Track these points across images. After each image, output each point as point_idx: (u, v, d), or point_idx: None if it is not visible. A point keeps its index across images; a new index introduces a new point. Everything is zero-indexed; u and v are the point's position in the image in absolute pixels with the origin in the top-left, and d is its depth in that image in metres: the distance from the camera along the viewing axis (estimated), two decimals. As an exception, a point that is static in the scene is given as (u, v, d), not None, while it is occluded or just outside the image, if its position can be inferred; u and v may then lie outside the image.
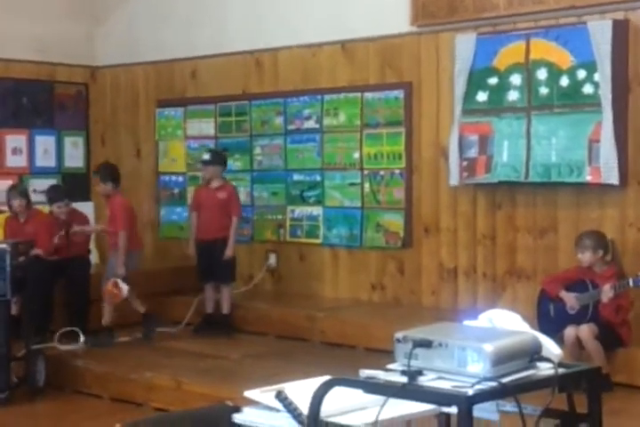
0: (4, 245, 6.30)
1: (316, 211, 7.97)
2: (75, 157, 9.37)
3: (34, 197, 7.90)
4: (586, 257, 5.73)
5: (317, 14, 7.84)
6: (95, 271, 7.90)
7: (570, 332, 5.58)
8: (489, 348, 2.40)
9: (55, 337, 6.95)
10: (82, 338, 6.99)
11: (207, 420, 3.01)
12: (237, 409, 2.82)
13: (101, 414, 5.86)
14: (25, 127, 9.00)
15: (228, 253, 7.31)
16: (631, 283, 5.57)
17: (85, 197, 9.23)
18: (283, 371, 5.21)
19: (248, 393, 2.81)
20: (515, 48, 6.67)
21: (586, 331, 5.54)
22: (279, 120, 8.20)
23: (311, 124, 8.00)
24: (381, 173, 7.57)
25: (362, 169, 7.68)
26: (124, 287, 7.04)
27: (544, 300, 5.94)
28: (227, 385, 5.41)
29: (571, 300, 5.73)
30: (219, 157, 7.51)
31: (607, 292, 5.55)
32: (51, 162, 9.18)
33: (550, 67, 6.50)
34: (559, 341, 5.52)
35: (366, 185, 7.65)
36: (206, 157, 7.52)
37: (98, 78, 9.52)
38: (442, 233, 7.23)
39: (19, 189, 7.63)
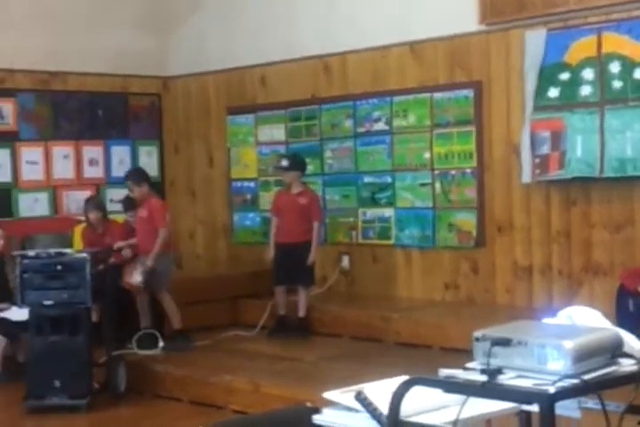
0: (84, 255, 6.44)
1: (388, 212, 7.96)
2: (149, 166, 9.49)
3: (111, 207, 8.07)
4: None
5: (385, 16, 7.84)
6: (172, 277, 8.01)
7: None
8: (569, 345, 2.37)
9: (134, 342, 7.06)
10: (161, 343, 7.10)
11: (287, 421, 3.04)
12: (317, 410, 2.83)
13: (181, 418, 5.94)
14: (101, 138, 9.20)
15: (313, 257, 7.35)
16: None
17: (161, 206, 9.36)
18: (359, 372, 5.21)
19: (327, 394, 2.82)
20: (586, 42, 6.58)
21: None
22: (349, 123, 8.21)
23: (381, 125, 8.00)
24: (452, 172, 7.52)
25: (433, 169, 7.65)
26: (138, 277, 7.06)
27: (623, 295, 5.84)
28: (304, 387, 5.43)
29: None
30: (297, 163, 7.51)
31: None
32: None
33: (623, 60, 6.39)
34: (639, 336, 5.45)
35: (437, 185, 7.61)
36: (284, 163, 7.51)
37: (170, 88, 9.67)
38: (515, 231, 7.16)
39: (94, 202, 7.78)
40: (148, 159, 9.52)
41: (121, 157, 9.32)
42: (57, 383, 6.19)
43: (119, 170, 9.24)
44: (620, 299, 5.85)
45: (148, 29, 9.36)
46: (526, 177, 6.86)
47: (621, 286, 5.89)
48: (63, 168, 8.92)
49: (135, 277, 7.10)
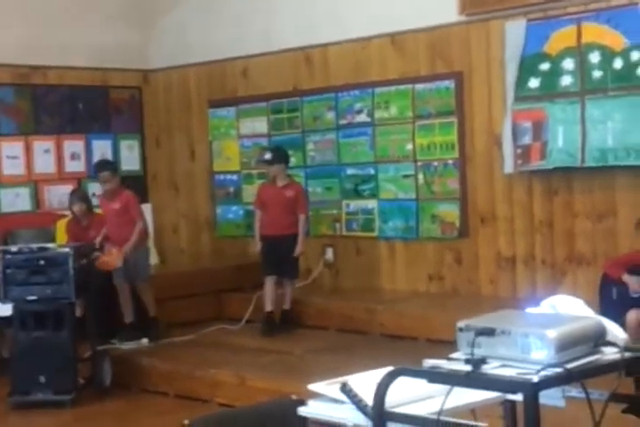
0: (66, 249, 6.42)
1: (371, 204, 7.97)
2: (131, 160, 9.51)
3: (94, 202, 8.03)
4: None
5: (365, 8, 7.83)
6: (156, 272, 8.02)
7: (632, 315, 5.51)
8: (552, 334, 2.38)
9: (119, 337, 7.06)
10: (144, 338, 7.10)
11: (273, 414, 3.04)
12: (302, 402, 2.83)
13: (167, 412, 5.94)
14: (82, 133, 9.16)
15: (300, 249, 7.33)
16: None
17: (143, 199, 9.35)
18: (344, 364, 5.22)
19: (312, 386, 2.82)
20: (566, 32, 6.60)
21: None
22: (331, 115, 8.21)
23: (363, 117, 8.01)
24: (435, 163, 7.54)
25: (415, 160, 7.66)
26: (119, 261, 7.06)
27: (606, 284, 5.88)
28: (290, 380, 5.44)
29: (633, 283, 5.66)
30: (280, 156, 7.47)
31: None
32: (108, 166, 9.30)
33: (603, 50, 6.42)
34: (622, 324, 5.49)
35: (420, 176, 7.63)
36: (268, 156, 7.48)
37: (150, 81, 9.63)
38: (498, 222, 7.19)
39: (79, 194, 7.75)
40: (130, 153, 9.49)
41: (102, 151, 9.28)
42: (42, 379, 6.19)
43: (101, 164, 9.21)
44: (604, 288, 5.88)
45: (128, 22, 9.32)
46: (508, 168, 6.88)
47: (605, 274, 5.92)
48: (44, 163, 8.88)
49: (116, 260, 7.06)
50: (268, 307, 7.32)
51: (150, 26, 9.51)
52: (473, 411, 2.70)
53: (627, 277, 5.71)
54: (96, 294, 6.69)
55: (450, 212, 7.47)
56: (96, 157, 9.19)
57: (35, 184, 8.82)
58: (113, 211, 7.31)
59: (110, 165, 7.62)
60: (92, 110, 9.23)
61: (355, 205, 8.10)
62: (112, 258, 7.03)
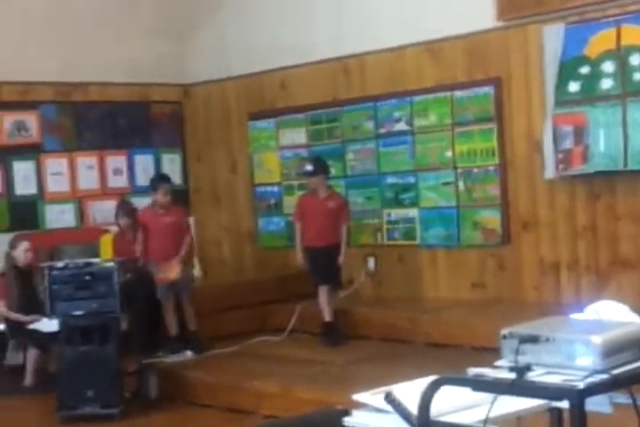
0: (111, 264, 6.49)
1: (412, 212, 7.95)
2: (172, 173, 9.51)
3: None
4: None
5: (401, 16, 7.83)
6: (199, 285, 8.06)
7: None
8: (597, 340, 2.35)
9: (164, 350, 7.11)
10: (188, 351, 7.13)
11: (318, 424, 3.03)
12: (347, 413, 2.82)
13: (213, 424, 5.96)
14: (123, 148, 9.25)
15: (342, 259, 7.30)
16: None
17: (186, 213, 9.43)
18: (388, 374, 5.20)
19: (357, 396, 2.81)
20: (605, 35, 6.54)
21: None
22: (370, 124, 8.21)
23: (402, 126, 8.00)
24: (475, 170, 7.50)
25: (455, 168, 7.63)
26: (178, 269, 7.17)
27: None
28: (334, 390, 5.43)
29: None
30: (321, 166, 7.43)
31: None
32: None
33: (643, 52, 6.35)
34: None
35: (460, 183, 7.59)
36: (309, 167, 7.45)
37: (190, 96, 9.71)
38: (541, 227, 7.13)
39: (125, 208, 7.84)
40: (171, 167, 9.56)
41: (144, 165, 9.37)
42: (89, 393, 6.23)
43: (143, 179, 9.29)
44: None
45: (166, 37, 9.40)
46: (549, 173, 6.83)
47: None
48: (87, 178, 8.98)
49: (176, 273, 7.16)
50: (327, 317, 7.26)
51: (188, 40, 9.60)
52: (519, 419, 2.67)
53: None
54: (141, 307, 6.73)
55: (491, 218, 7.42)
56: (138, 172, 9.30)
57: (79, 200, 8.92)
58: (165, 225, 7.33)
59: (170, 179, 7.71)
60: (133, 125, 9.32)
61: (396, 213, 8.08)
62: (173, 271, 7.12)
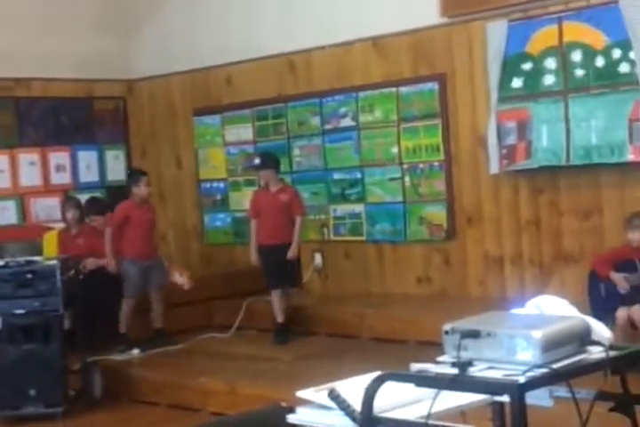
0: (53, 262, 6.39)
1: (359, 208, 7.96)
2: (117, 170, 9.47)
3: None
4: (637, 236, 5.66)
5: (347, 12, 7.83)
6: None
7: (621, 313, 5.51)
8: (538, 334, 2.38)
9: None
10: (135, 349, 7.07)
11: (262, 422, 3.03)
12: (291, 410, 2.82)
13: (159, 422, 5.91)
14: (67, 144, 9.12)
15: (293, 253, 7.14)
16: None
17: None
18: (335, 370, 5.21)
19: (301, 393, 2.81)
20: (547, 32, 6.62)
21: (638, 312, 5.45)
22: (316, 120, 8.21)
23: (347, 122, 8.00)
24: (420, 166, 7.54)
25: (401, 163, 7.66)
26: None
27: (595, 281, 5.88)
28: (281, 387, 5.41)
29: (620, 281, 5.66)
30: (270, 160, 7.31)
31: None
32: (94, 177, 9.29)
33: (584, 48, 6.44)
34: (612, 322, 5.49)
35: (406, 179, 7.63)
36: (257, 161, 7.39)
37: (135, 91, 9.61)
38: (485, 222, 7.19)
39: (73, 202, 7.76)
40: (115, 163, 9.46)
41: (88, 162, 9.26)
42: (31, 392, 6.14)
43: (87, 175, 9.21)
44: (592, 285, 5.88)
45: (110, 32, 9.30)
46: (494, 168, 6.89)
47: (593, 272, 5.92)
48: (30, 175, 8.84)
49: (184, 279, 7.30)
50: (279, 318, 7.17)
51: (133, 35, 9.50)
52: (462, 414, 2.69)
53: (613, 275, 5.71)
54: (84, 305, 6.65)
55: (437, 213, 7.46)
56: (82, 169, 9.18)
57: (21, 197, 8.78)
58: (147, 219, 7.30)
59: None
60: (76, 122, 9.20)
61: (342, 209, 8.09)
62: (186, 280, 7.30)
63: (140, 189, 7.25)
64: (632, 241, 5.71)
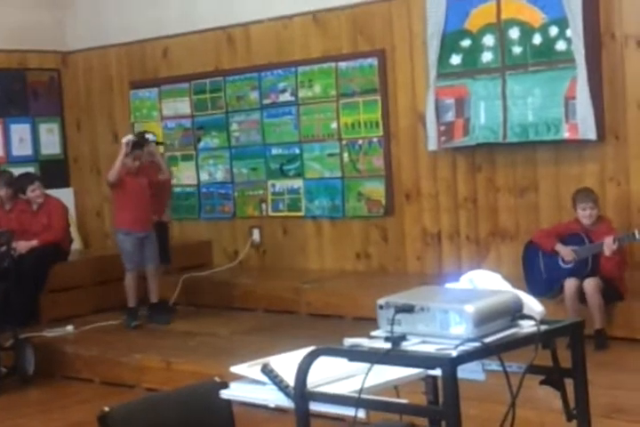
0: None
1: (297, 184, 7.93)
2: (51, 143, 9.29)
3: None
4: (593, 212, 5.71)
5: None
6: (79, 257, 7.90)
7: (570, 285, 5.54)
8: (470, 309, 2.39)
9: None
10: (69, 326, 6.99)
11: (197, 397, 3.00)
12: (225, 385, 2.80)
13: (93, 398, 5.85)
14: (0, 117, 8.90)
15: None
16: (638, 235, 5.56)
17: (64, 183, 9.19)
18: (271, 345, 5.20)
19: (234, 368, 2.79)
20: (486, 9, 6.63)
21: (592, 284, 5.49)
22: (254, 95, 8.13)
23: (287, 97, 7.94)
24: (359, 142, 7.53)
25: (340, 139, 7.64)
26: None
27: (532, 254, 5.94)
28: (216, 362, 5.39)
29: (568, 253, 5.71)
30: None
31: (610, 245, 5.53)
32: (27, 150, 9.10)
33: (522, 25, 6.46)
34: (555, 295, 5.55)
35: (345, 155, 7.61)
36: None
37: (70, 63, 9.41)
38: (423, 199, 7.22)
39: (4, 178, 7.58)
40: (50, 137, 9.27)
41: (21, 135, 9.05)
42: (-40, 369, 6.03)
43: (20, 149, 9.01)
44: (529, 260, 5.94)
45: (43, 2, 9.07)
46: (432, 145, 6.90)
47: (531, 245, 5.97)
48: (-40, 148, 8.63)
49: None
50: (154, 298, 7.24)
51: (68, 6, 9.27)
52: (396, 388, 2.69)
53: (560, 247, 5.76)
54: (16, 280, 6.53)
55: (375, 189, 7.47)
56: (15, 142, 8.98)
57: (-50, 170, 8.56)
58: (142, 186, 7.08)
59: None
60: (8, 94, 8.98)
61: (280, 185, 8.05)
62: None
63: (127, 160, 7.02)
64: (583, 217, 5.75)
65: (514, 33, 6.50)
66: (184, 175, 8.66)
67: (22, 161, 8.95)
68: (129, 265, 7.04)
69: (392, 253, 7.45)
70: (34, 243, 7.19)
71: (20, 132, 9.07)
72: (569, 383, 2.63)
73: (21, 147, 9.05)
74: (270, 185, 8.11)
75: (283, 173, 8.02)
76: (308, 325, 6.65)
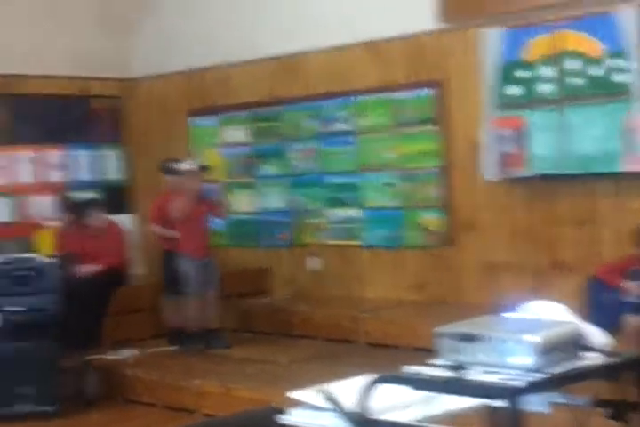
0: (51, 259, 6.39)
1: (354, 213, 7.96)
2: (112, 169, 9.46)
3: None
4: None
5: (344, 16, 7.83)
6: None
7: (632, 321, 5.50)
8: (534, 339, 2.37)
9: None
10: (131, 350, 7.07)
11: (253, 422, 3.02)
12: (282, 411, 2.82)
13: (152, 423, 5.91)
14: (62, 142, 9.09)
15: None
16: None
17: (125, 209, 9.35)
18: (329, 373, 5.19)
19: (294, 394, 2.81)
20: (544, 40, 6.63)
21: None
22: (312, 123, 8.20)
23: (344, 126, 8.00)
24: (417, 171, 7.55)
25: (397, 169, 7.66)
26: None
27: (597, 289, 5.89)
28: (275, 389, 5.41)
29: (636, 288, 5.67)
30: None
31: None
32: (89, 176, 9.27)
33: (580, 57, 6.45)
34: (616, 330, 5.49)
35: (402, 185, 7.63)
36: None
37: (131, 90, 9.59)
38: (482, 229, 7.20)
39: (67, 204, 7.77)
40: (110, 163, 9.45)
41: (83, 160, 9.24)
42: (24, 390, 6.13)
43: (81, 174, 9.19)
44: (594, 293, 5.89)
45: (108, 30, 9.26)
46: (490, 175, 6.90)
47: (595, 280, 5.92)
48: (24, 173, 8.82)
49: None
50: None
51: (131, 34, 9.48)
52: (455, 418, 2.69)
53: (627, 284, 5.72)
54: (80, 304, 6.65)
55: (433, 219, 7.47)
56: (77, 167, 9.16)
57: (15, 195, 8.76)
58: (201, 214, 7.17)
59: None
60: (72, 120, 9.17)
61: (338, 213, 8.09)
62: None
63: (189, 185, 7.07)
64: None
65: (572, 64, 6.50)
66: (242, 203, 8.75)
67: (84, 186, 9.14)
68: (191, 289, 7.03)
69: (450, 284, 7.42)
70: (96, 267, 7.32)
71: (82, 157, 9.25)
72: (635, 418, 2.60)
73: (83, 172, 9.23)
74: (328, 213, 8.16)
75: (340, 202, 8.07)
76: (366, 353, 6.64)
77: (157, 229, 7.24)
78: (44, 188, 8.90)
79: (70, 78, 9.05)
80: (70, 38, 8.94)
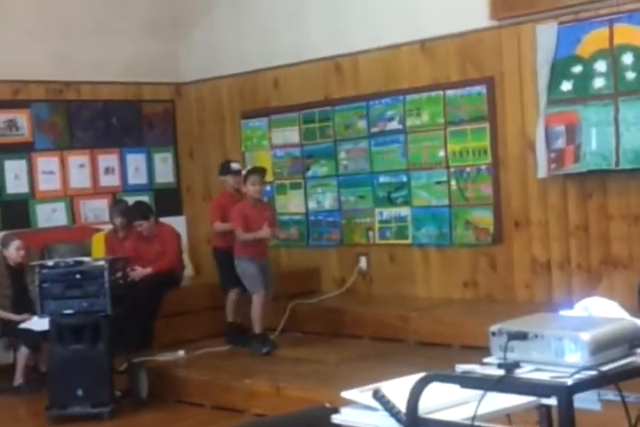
0: (102, 263, 6.46)
1: (404, 211, 7.93)
2: (165, 173, 9.56)
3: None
4: None
5: (395, 15, 7.81)
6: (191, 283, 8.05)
7: None
8: (586, 336, 2.35)
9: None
10: (181, 351, 7.11)
11: (305, 422, 3.02)
12: (335, 410, 2.81)
13: (204, 423, 5.95)
14: (116, 147, 9.22)
15: None
16: None
17: (177, 211, 9.43)
18: (379, 372, 5.18)
19: (345, 393, 2.80)
20: (598, 34, 6.54)
21: None
22: (362, 123, 8.19)
23: (394, 125, 7.97)
24: (467, 169, 7.49)
25: (448, 167, 7.61)
26: None
27: None
28: (325, 389, 5.42)
29: None
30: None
31: None
32: (142, 179, 9.37)
33: (636, 51, 6.35)
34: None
35: (453, 183, 7.58)
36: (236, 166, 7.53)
37: (183, 94, 9.68)
38: (533, 226, 7.12)
39: (119, 208, 7.85)
40: (164, 166, 9.54)
41: (136, 164, 9.35)
42: (79, 392, 6.21)
43: (135, 178, 9.29)
44: None
45: (158, 35, 9.37)
46: (542, 172, 6.82)
47: None
48: (79, 177, 8.95)
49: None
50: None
51: (181, 38, 9.58)
52: (508, 416, 2.66)
53: None
54: (131, 306, 6.71)
55: (483, 217, 7.41)
56: (130, 171, 9.27)
57: (70, 199, 8.89)
58: (262, 217, 7.13)
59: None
60: (125, 124, 9.30)
61: (388, 212, 8.07)
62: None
63: (248, 189, 7.06)
64: None
65: (627, 58, 6.39)
66: (292, 203, 8.77)
67: (137, 190, 9.24)
68: (258, 286, 6.99)
69: (500, 282, 7.35)
70: (148, 270, 7.38)
71: (135, 161, 9.36)
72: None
73: (137, 176, 9.33)
74: (377, 213, 8.14)
75: (390, 201, 8.04)
76: (416, 352, 6.60)
77: (219, 225, 7.31)
78: (98, 192, 9.01)
79: (124, 84, 9.18)
80: (123, 44, 9.07)
